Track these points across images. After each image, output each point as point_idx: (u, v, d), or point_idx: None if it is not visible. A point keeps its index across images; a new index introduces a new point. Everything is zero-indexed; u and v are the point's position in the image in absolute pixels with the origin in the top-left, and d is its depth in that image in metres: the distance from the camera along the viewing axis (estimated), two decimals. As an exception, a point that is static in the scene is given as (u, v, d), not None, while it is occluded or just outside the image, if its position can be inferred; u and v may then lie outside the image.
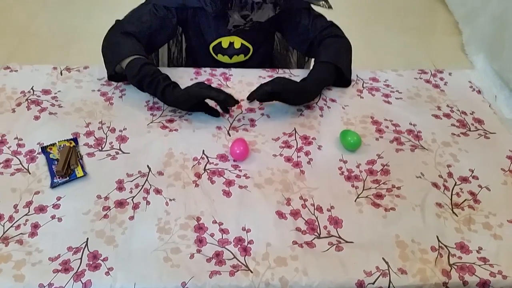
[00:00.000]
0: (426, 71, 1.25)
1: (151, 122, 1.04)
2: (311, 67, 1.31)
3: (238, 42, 1.21)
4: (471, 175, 0.96)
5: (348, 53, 1.15)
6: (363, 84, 1.18)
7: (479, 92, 1.19)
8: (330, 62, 1.09)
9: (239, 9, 1.08)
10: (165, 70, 1.17)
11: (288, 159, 0.97)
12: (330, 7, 1.05)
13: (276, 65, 1.45)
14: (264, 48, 1.31)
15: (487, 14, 2.48)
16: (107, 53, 1.09)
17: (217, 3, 1.08)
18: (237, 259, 0.79)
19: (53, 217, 0.83)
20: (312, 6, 1.17)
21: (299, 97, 1.06)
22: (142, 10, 1.13)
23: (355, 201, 0.90)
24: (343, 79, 1.14)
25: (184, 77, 1.17)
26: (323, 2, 1.06)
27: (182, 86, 1.02)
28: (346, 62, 1.13)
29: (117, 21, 1.11)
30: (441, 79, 1.22)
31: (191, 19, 1.19)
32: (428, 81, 1.21)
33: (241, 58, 1.25)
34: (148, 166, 0.94)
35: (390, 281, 0.77)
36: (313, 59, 1.34)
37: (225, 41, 1.21)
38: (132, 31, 1.08)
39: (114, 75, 1.10)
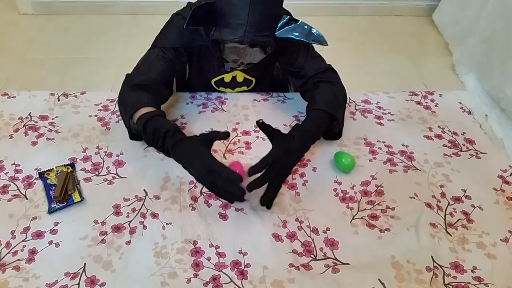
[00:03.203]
0: (417, 93, 1.27)
1: (147, 147, 1.05)
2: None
3: (240, 76, 1.21)
4: (463, 195, 0.98)
5: (344, 103, 1.10)
6: (355, 107, 1.21)
7: (469, 112, 1.22)
8: (327, 111, 1.01)
9: (229, 55, 1.08)
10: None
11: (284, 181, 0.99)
12: (324, 43, 1.02)
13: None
14: (267, 78, 1.31)
15: (476, 36, 2.54)
16: (120, 112, 1.04)
17: (214, 47, 1.07)
18: (234, 283, 0.79)
19: (50, 242, 0.84)
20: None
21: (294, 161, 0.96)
22: (150, 57, 1.10)
23: (350, 222, 0.91)
24: (331, 129, 1.08)
25: (180, 101, 1.19)
26: (319, 42, 1.03)
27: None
28: (341, 113, 1.07)
29: (127, 75, 1.08)
30: (432, 100, 1.25)
31: (196, 57, 1.18)
32: (419, 103, 1.24)
33: (243, 89, 1.25)
34: (144, 190, 0.95)
35: (386, 302, 0.78)
36: None
37: (227, 77, 1.20)
38: (140, 82, 1.04)
39: (137, 134, 1.05)
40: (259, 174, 0.89)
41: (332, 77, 1.12)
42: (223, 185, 0.86)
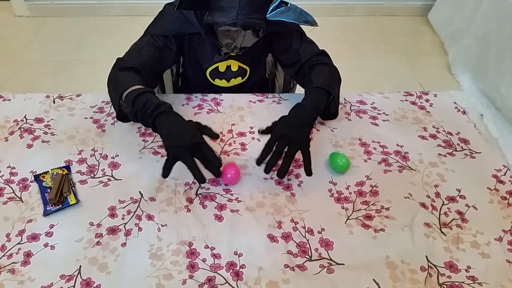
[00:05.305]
0: (411, 93, 1.28)
1: (143, 148, 1.05)
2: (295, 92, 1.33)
3: (235, 65, 1.23)
4: (458, 195, 0.98)
5: (339, 84, 1.14)
6: (350, 107, 1.21)
7: (464, 112, 1.22)
8: (324, 89, 1.06)
9: (222, 39, 1.10)
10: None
11: (279, 182, 0.99)
12: (314, 23, 1.05)
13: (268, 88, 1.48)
14: (261, 68, 1.33)
15: (471, 36, 2.55)
16: (109, 93, 1.07)
17: (207, 32, 1.10)
18: (229, 284, 0.79)
19: (45, 245, 0.84)
20: (303, 28, 1.19)
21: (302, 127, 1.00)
22: (141, 43, 1.13)
23: (345, 222, 0.91)
24: (328, 109, 1.12)
25: (176, 102, 1.19)
26: (309, 22, 1.06)
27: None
28: (337, 92, 1.12)
29: (118, 59, 1.10)
30: (427, 100, 1.25)
31: (187, 45, 1.20)
32: (414, 103, 1.24)
33: (238, 80, 1.26)
34: (140, 192, 0.95)
35: (381, 302, 0.78)
36: (298, 85, 1.35)
37: (222, 66, 1.22)
38: (130, 65, 1.07)
39: (124, 116, 1.07)
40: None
41: (326, 60, 1.17)
42: (204, 161, 0.91)
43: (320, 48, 1.20)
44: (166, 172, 0.90)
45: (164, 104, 0.96)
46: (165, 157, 1.01)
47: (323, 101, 1.06)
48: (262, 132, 1.00)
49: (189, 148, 0.90)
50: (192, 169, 0.89)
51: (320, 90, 1.06)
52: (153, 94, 0.99)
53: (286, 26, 1.06)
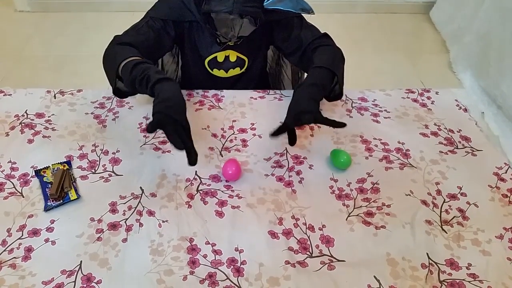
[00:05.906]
0: (413, 90, 1.28)
1: (144, 144, 1.05)
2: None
3: (233, 55, 1.23)
4: (459, 192, 0.98)
5: (342, 63, 1.11)
6: (352, 104, 1.21)
7: (465, 110, 1.22)
8: (326, 67, 1.02)
9: (220, 27, 1.11)
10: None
11: (280, 179, 0.99)
12: (310, 11, 1.05)
13: (270, 81, 1.48)
14: (260, 60, 1.33)
15: (472, 34, 2.54)
16: (106, 67, 1.05)
17: (205, 20, 1.10)
18: (230, 280, 0.79)
19: (46, 240, 0.84)
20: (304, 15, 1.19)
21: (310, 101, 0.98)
22: (139, 24, 1.14)
23: (346, 219, 0.91)
24: (333, 91, 1.10)
25: (177, 99, 1.19)
26: (306, 10, 1.06)
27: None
28: (341, 71, 1.08)
29: (115, 36, 1.10)
30: (428, 98, 1.25)
31: (187, 34, 1.21)
32: (415, 100, 1.24)
33: (237, 71, 1.26)
34: (141, 188, 0.95)
35: (381, 299, 0.78)
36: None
37: (220, 56, 1.22)
38: (128, 41, 1.07)
39: (121, 92, 1.06)
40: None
41: (327, 41, 1.16)
42: (183, 137, 0.87)
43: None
44: (151, 131, 0.87)
45: (165, 73, 0.96)
46: (166, 153, 1.02)
47: (327, 79, 1.02)
48: (273, 134, 0.98)
49: (178, 123, 0.86)
50: (172, 137, 0.85)
51: (322, 69, 1.02)
52: (153, 65, 0.97)
53: (284, 14, 1.06)
